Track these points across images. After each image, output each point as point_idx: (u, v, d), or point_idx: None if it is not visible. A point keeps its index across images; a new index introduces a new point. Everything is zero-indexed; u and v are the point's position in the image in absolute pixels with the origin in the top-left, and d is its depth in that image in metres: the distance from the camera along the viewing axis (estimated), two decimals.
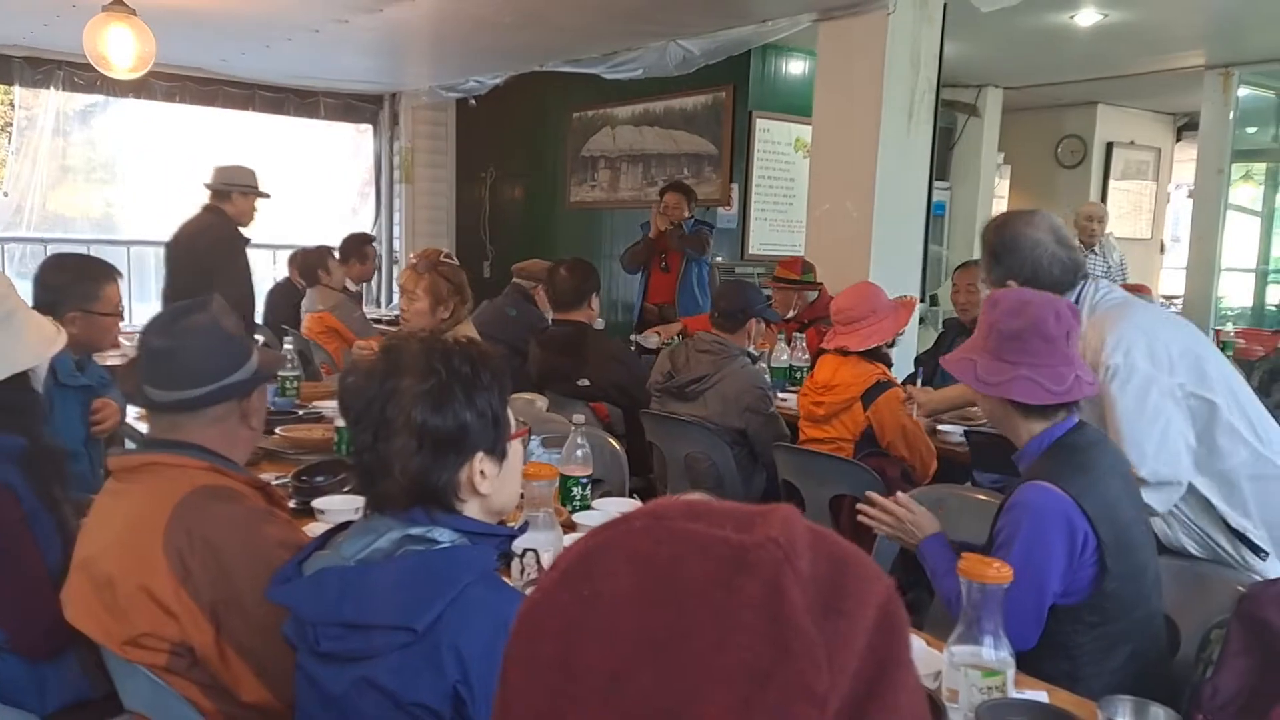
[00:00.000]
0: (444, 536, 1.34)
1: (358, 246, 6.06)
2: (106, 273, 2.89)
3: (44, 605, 1.66)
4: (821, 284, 4.81)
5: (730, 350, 3.64)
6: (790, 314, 4.80)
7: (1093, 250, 6.26)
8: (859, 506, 2.18)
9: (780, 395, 4.06)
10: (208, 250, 4.67)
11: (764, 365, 4.35)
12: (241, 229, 4.82)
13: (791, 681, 0.46)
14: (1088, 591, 1.86)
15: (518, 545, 1.80)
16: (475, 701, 1.22)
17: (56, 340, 2.02)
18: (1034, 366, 1.91)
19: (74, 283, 2.78)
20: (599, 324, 4.17)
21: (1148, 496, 2.22)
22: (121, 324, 2.96)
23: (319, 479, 2.47)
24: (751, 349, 3.85)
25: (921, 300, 5.11)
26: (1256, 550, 2.26)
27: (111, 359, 4.79)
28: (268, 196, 4.91)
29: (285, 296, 6.11)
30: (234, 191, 4.80)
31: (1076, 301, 2.36)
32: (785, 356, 4.46)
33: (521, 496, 2.09)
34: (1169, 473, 2.21)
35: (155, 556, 1.49)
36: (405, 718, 1.24)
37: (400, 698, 1.23)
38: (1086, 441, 1.96)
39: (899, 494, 2.17)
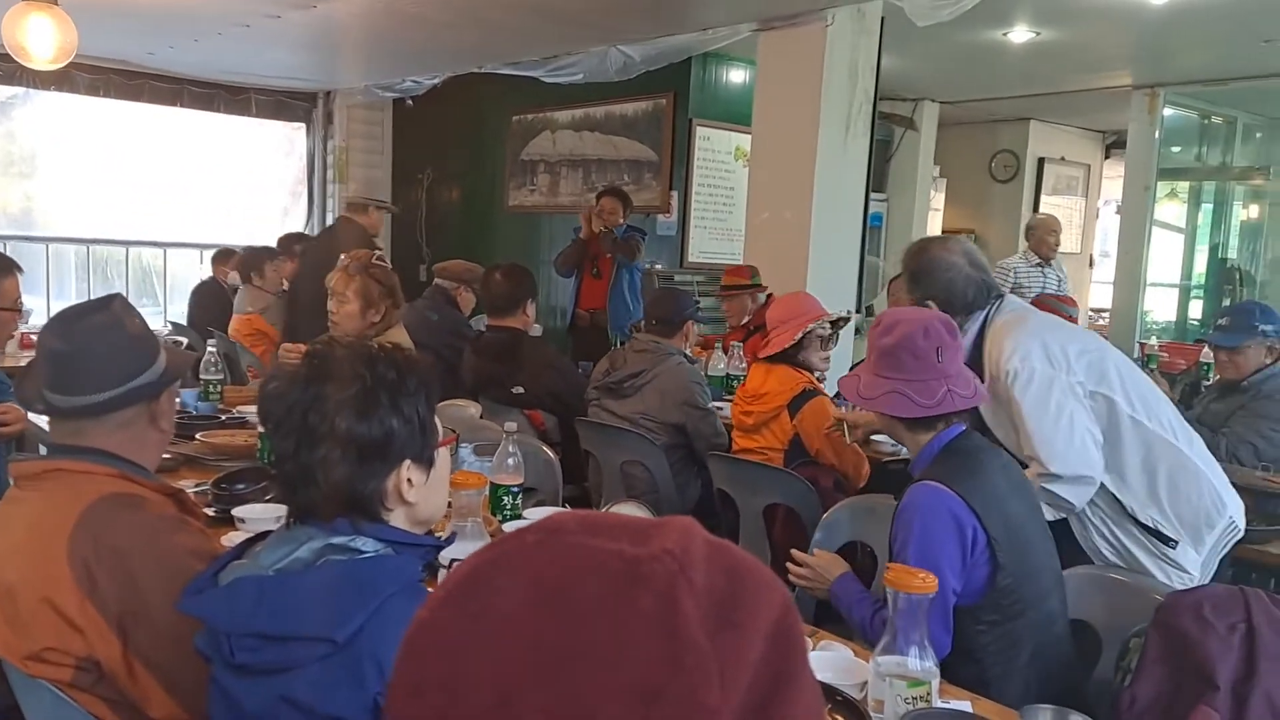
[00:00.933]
0: (368, 546, 1.30)
1: (288, 246, 5.95)
2: (4, 266, 2.82)
3: None
4: (765, 287, 4.86)
5: (666, 349, 3.70)
6: (745, 319, 4.82)
7: (1049, 264, 6.31)
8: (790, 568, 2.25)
9: (717, 404, 4.06)
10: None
11: (700, 372, 4.36)
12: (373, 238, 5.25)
13: (684, 697, 0.46)
14: (984, 590, 1.91)
15: (444, 556, 1.75)
16: None
17: None
18: (906, 381, 2.01)
19: None
20: (536, 330, 4.14)
21: (1063, 491, 2.31)
22: (19, 320, 2.88)
23: (239, 486, 2.40)
24: (687, 350, 3.88)
25: (858, 311, 5.16)
26: (1165, 540, 2.35)
27: (25, 359, 4.66)
28: (396, 211, 5.70)
29: (211, 296, 5.97)
30: (371, 205, 5.28)
31: (986, 320, 2.50)
32: (722, 365, 4.48)
33: (450, 505, 2.05)
34: (1080, 465, 2.30)
35: (59, 567, 1.43)
36: None
37: (318, 711, 1.20)
38: (973, 446, 2.05)
39: (795, 551, 2.27)
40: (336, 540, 1.29)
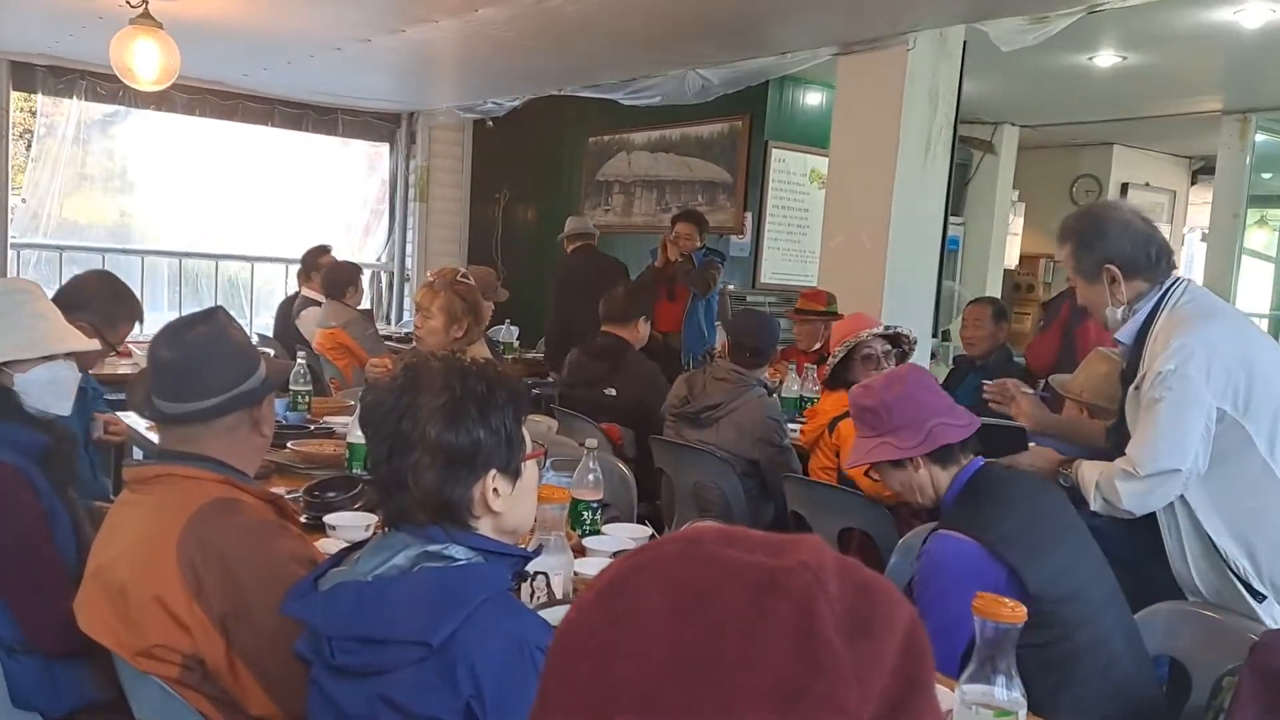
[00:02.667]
0: (460, 554, 1.35)
1: (314, 259, 6.06)
2: (134, 312, 2.98)
3: (59, 601, 1.67)
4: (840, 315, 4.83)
5: (747, 380, 3.63)
6: (816, 344, 4.80)
7: None
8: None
9: (790, 426, 4.05)
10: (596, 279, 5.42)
11: (776, 395, 4.35)
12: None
13: (823, 698, 0.48)
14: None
15: (528, 568, 1.79)
16: (487, 718, 1.23)
17: (88, 341, 2.15)
18: (879, 434, 2.09)
19: (107, 302, 2.85)
20: None
21: (1133, 492, 2.21)
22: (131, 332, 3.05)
23: (330, 494, 2.47)
24: (767, 379, 3.86)
25: (934, 335, 5.11)
26: (1255, 594, 2.22)
27: (123, 368, 4.85)
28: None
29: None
30: (598, 233, 6.30)
31: (1161, 301, 2.29)
32: (796, 387, 4.46)
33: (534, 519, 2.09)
34: (1168, 463, 2.17)
35: (168, 567, 1.49)
36: None
37: (414, 713, 1.24)
38: (993, 478, 2.05)
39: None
40: (432, 548, 1.35)
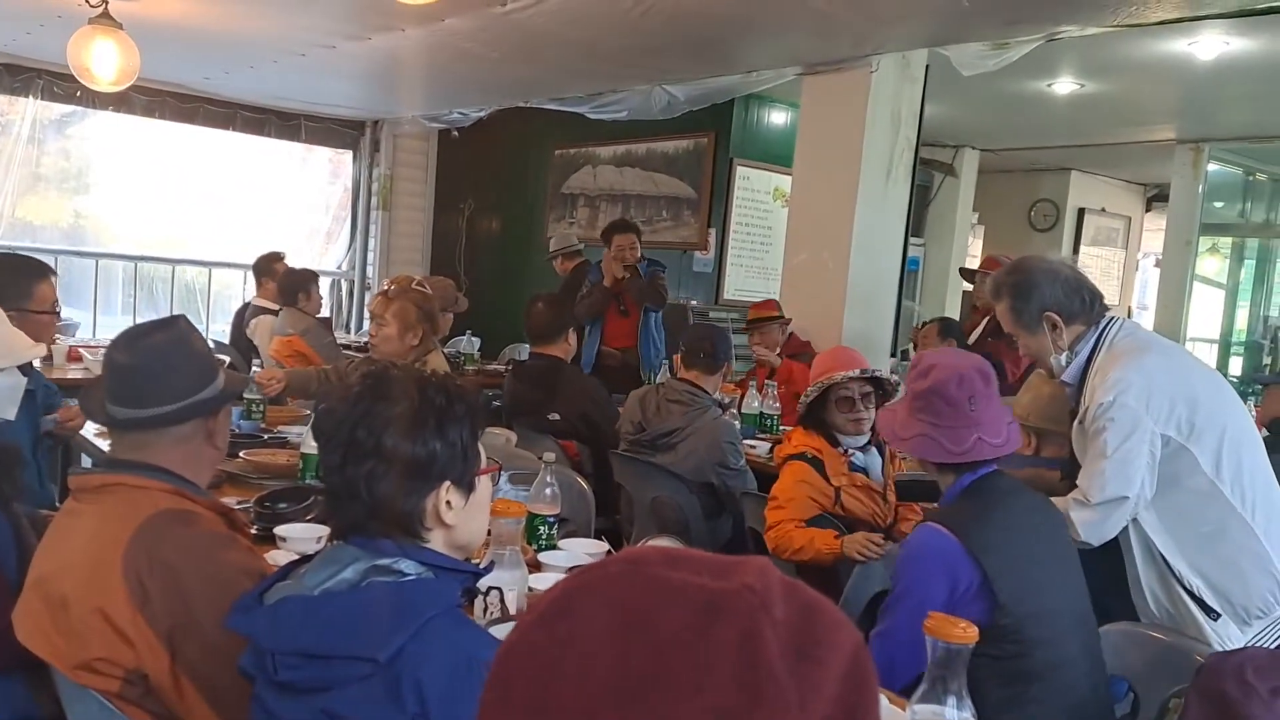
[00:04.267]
0: (410, 569, 1.33)
1: (268, 265, 5.96)
2: (39, 270, 2.92)
3: (1, 613, 1.62)
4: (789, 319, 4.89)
5: (702, 401, 3.62)
6: (776, 351, 4.82)
7: None
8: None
9: (749, 443, 4.06)
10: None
11: (734, 411, 4.36)
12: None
13: None
14: (980, 626, 1.88)
15: (482, 583, 1.77)
16: None
17: (35, 348, 2.10)
18: (935, 426, 2.03)
19: (7, 282, 2.79)
20: None
21: (1086, 520, 2.25)
22: (58, 323, 3.00)
23: (282, 505, 2.43)
24: (721, 396, 3.84)
25: (893, 355, 5.15)
26: (1208, 611, 2.27)
27: (73, 372, 4.75)
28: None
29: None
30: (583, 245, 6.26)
31: (1099, 340, 2.38)
32: (756, 404, 4.47)
33: (488, 533, 2.07)
34: (1115, 490, 2.22)
35: (113, 579, 1.46)
36: None
37: None
38: (994, 488, 2.06)
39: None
40: (381, 561, 1.33)
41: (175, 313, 2.13)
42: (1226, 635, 2.26)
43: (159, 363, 1.63)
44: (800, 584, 0.55)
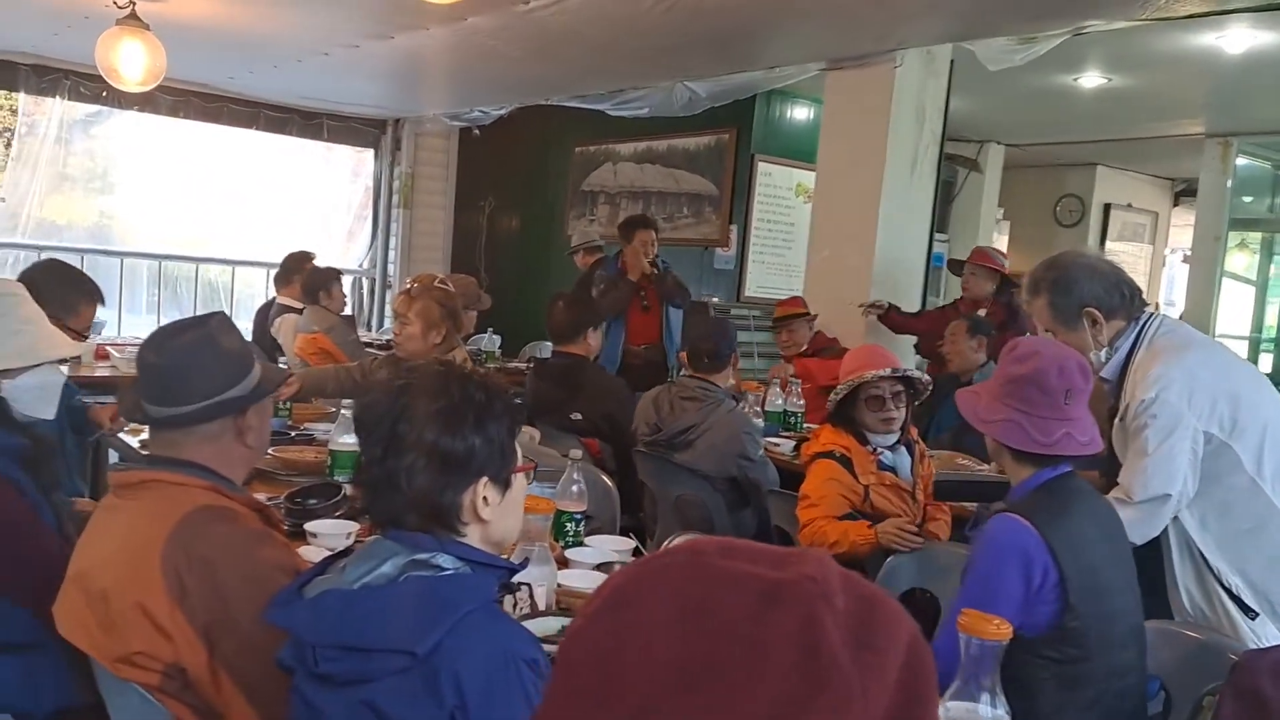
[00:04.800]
0: (448, 563, 1.35)
1: (297, 265, 5.99)
2: (91, 293, 2.98)
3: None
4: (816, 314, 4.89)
5: (715, 395, 3.60)
6: (804, 347, 4.82)
7: None
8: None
9: (773, 440, 4.04)
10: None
11: (758, 410, 4.35)
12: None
13: (827, 711, 0.48)
14: (1049, 626, 1.88)
15: (518, 579, 1.77)
16: None
17: (75, 346, 2.15)
18: (1026, 415, 1.97)
19: (61, 290, 2.83)
20: None
21: (1140, 520, 2.22)
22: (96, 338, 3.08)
23: (311, 501, 2.45)
24: (732, 382, 3.83)
25: (917, 352, 5.12)
26: (1246, 610, 2.25)
27: (101, 370, 4.80)
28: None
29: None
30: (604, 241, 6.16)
31: (1139, 336, 2.36)
32: (780, 401, 4.45)
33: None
34: (1158, 488, 2.21)
35: (152, 574, 1.47)
36: None
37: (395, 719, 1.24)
38: (1070, 488, 2.01)
39: None
40: (419, 556, 1.35)
41: (200, 311, 2.15)
42: (1264, 634, 2.24)
43: (183, 362, 1.65)
44: (858, 576, 0.56)
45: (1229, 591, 2.25)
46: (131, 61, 4.78)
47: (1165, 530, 2.29)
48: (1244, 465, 2.22)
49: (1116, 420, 2.35)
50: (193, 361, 1.65)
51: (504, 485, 1.44)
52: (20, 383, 2.01)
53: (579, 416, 3.93)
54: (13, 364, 1.98)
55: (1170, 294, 9.48)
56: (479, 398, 1.40)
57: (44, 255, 7.38)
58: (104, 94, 7.03)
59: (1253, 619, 2.24)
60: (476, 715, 1.22)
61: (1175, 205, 9.32)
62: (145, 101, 7.20)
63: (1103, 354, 2.38)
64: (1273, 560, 2.24)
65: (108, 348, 5.18)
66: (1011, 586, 1.87)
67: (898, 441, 3.03)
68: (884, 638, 0.52)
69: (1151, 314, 2.40)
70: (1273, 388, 2.43)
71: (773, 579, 0.52)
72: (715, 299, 6.59)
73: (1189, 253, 7.58)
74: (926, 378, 3.07)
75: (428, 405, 1.37)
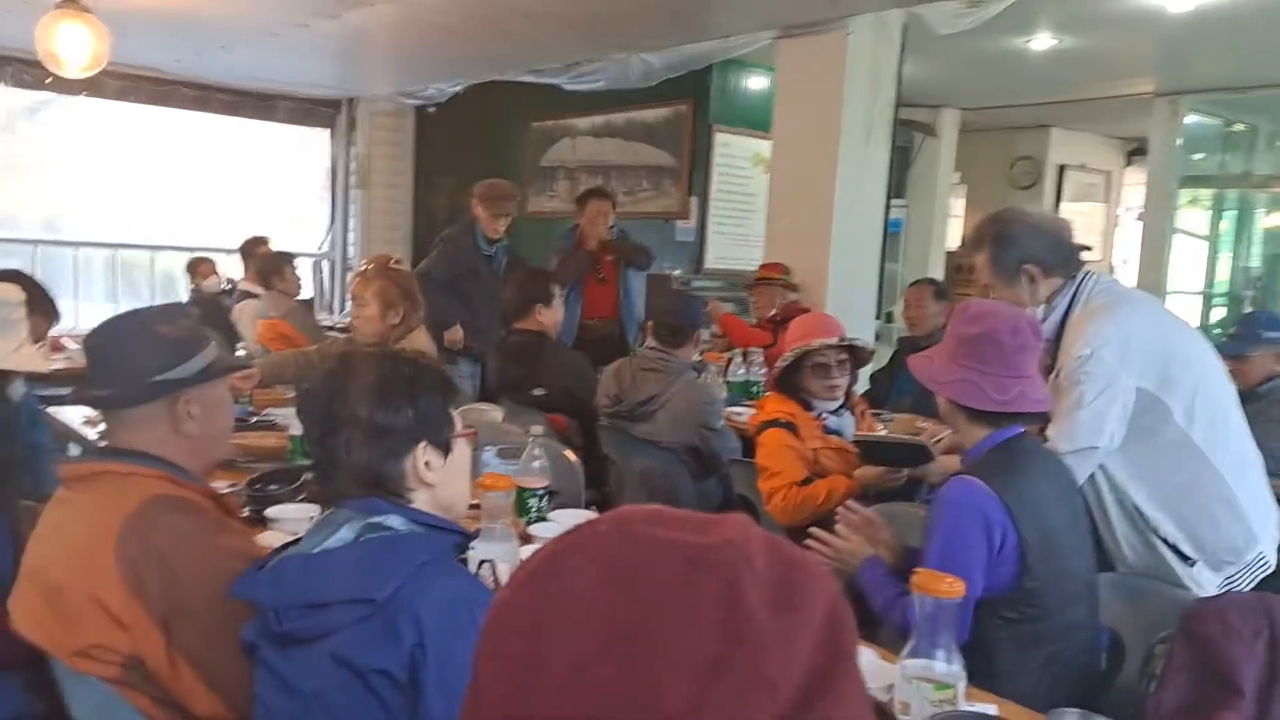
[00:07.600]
0: (400, 524, 1.40)
1: (251, 249, 5.95)
2: (47, 311, 3.01)
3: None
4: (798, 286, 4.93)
5: (676, 366, 3.62)
6: (772, 311, 4.84)
7: None
8: (812, 535, 2.23)
9: (736, 409, 4.08)
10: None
11: (720, 380, 4.37)
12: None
13: (746, 669, 0.50)
14: (1007, 588, 1.91)
15: (474, 557, 1.79)
16: (429, 665, 1.27)
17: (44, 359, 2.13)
18: (981, 373, 2.00)
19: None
20: None
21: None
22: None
23: (272, 487, 2.44)
24: (695, 361, 3.85)
25: (877, 317, 5.18)
26: (1185, 558, 2.31)
27: (56, 362, 4.73)
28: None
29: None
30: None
31: (1075, 295, 2.38)
32: (742, 372, 4.48)
33: (478, 507, 2.08)
34: (1086, 440, 2.24)
35: (107, 566, 1.47)
36: (365, 690, 1.28)
37: (359, 665, 1.28)
38: (1026, 448, 2.04)
39: (816, 530, 2.22)
40: (374, 519, 1.39)
41: (152, 299, 2.14)
42: (1203, 580, 2.30)
43: (115, 343, 1.66)
44: (781, 539, 0.58)
45: (1165, 541, 2.30)
46: (73, 46, 4.67)
47: (1099, 486, 2.34)
48: (1175, 419, 2.27)
49: (1051, 377, 2.37)
50: (124, 343, 1.66)
51: (444, 449, 1.49)
52: None
53: (541, 392, 3.93)
54: None
55: (1125, 250, 9.60)
56: (408, 372, 1.46)
57: None
58: (47, 80, 6.86)
59: (1190, 565, 2.30)
60: (434, 651, 1.27)
61: (1128, 164, 9.43)
62: (91, 87, 7.04)
63: (1039, 311, 2.40)
64: (1203, 510, 2.29)
65: (63, 339, 5.11)
66: (976, 548, 1.90)
67: (841, 406, 3.08)
68: (804, 597, 0.54)
69: (1088, 273, 2.43)
70: (1206, 343, 2.48)
71: (696, 544, 0.54)
72: (677, 271, 6.59)
73: (1142, 211, 7.69)
74: (872, 346, 3.12)
75: (358, 382, 1.43)
